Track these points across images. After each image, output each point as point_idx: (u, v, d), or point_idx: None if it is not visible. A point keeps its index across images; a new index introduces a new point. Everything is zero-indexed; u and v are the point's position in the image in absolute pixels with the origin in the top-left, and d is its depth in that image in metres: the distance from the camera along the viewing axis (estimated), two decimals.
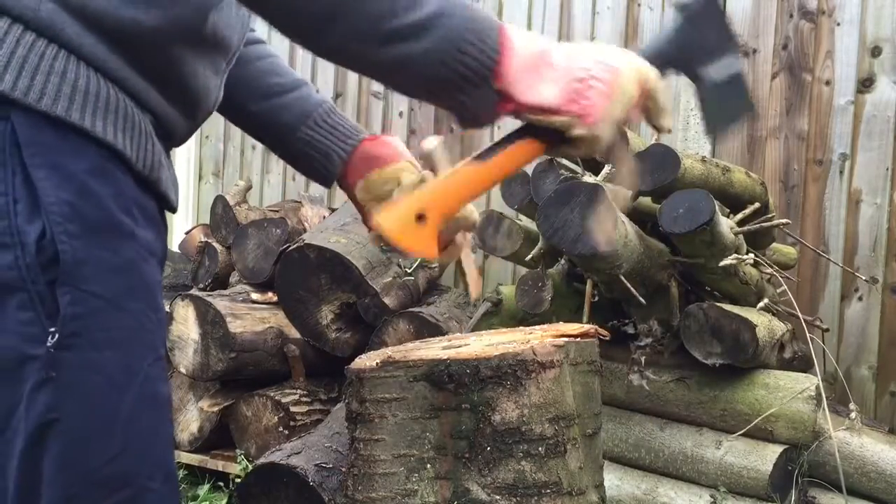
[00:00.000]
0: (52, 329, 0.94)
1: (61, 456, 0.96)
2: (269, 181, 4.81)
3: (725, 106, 1.15)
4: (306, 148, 1.35)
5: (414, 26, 0.94)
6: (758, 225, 2.74)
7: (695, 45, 1.12)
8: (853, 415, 2.65)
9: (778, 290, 3.01)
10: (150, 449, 1.02)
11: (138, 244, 1.02)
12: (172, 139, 1.13)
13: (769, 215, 2.92)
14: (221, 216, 3.76)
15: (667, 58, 1.12)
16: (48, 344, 0.94)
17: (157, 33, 1.02)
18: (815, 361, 2.64)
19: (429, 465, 1.53)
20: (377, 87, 4.40)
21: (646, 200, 2.72)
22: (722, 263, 2.55)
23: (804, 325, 2.66)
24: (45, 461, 0.95)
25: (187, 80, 1.08)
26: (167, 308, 3.28)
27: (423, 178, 1.20)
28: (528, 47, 0.99)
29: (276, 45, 1.48)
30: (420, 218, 1.02)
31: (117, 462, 0.98)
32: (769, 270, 2.81)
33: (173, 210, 1.16)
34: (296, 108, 1.33)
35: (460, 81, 0.97)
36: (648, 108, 1.09)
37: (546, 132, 1.04)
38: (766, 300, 2.77)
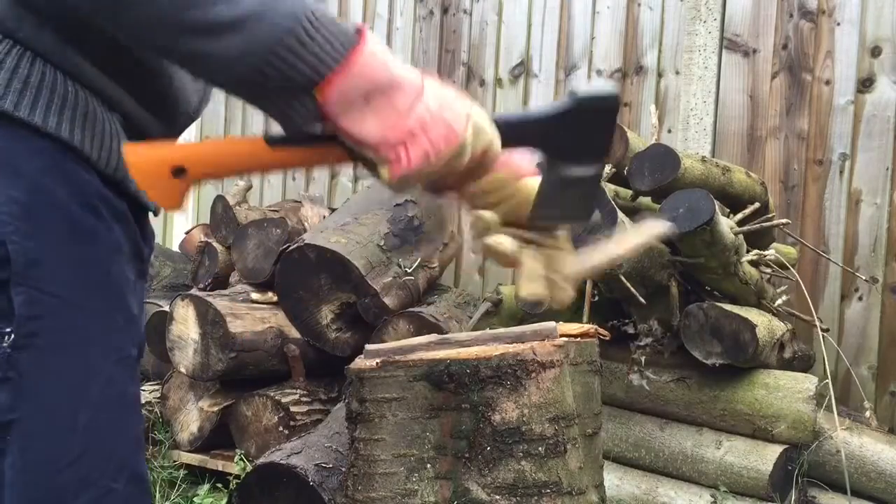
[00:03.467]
0: (8, 329, 0.93)
1: (21, 457, 0.94)
2: (269, 181, 4.81)
3: (562, 203, 1.05)
4: None
5: (219, 23, 0.87)
6: (758, 225, 2.74)
7: (568, 140, 1.01)
8: (867, 413, 2.65)
9: (778, 290, 3.01)
10: (113, 450, 1.00)
11: (103, 242, 1.00)
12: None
13: (769, 215, 2.92)
14: (221, 216, 3.76)
15: (530, 137, 1.02)
16: (3, 344, 0.92)
17: None
18: (826, 360, 2.64)
19: (429, 465, 1.53)
20: None
21: (646, 200, 2.72)
22: (745, 259, 2.55)
23: (817, 325, 2.66)
24: (5, 463, 0.94)
25: (159, 82, 1.05)
26: (167, 308, 3.28)
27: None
28: (373, 74, 0.92)
29: None
30: (178, 171, 0.93)
31: (79, 463, 0.96)
32: (769, 270, 2.81)
33: (152, 212, 1.13)
34: None
35: (273, 88, 0.90)
36: (474, 172, 1.01)
37: (356, 152, 0.98)
38: (781, 299, 2.77)
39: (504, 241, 1.04)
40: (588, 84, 1.08)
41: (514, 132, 1.02)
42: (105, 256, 1.00)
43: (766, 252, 2.60)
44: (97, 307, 0.98)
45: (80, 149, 0.97)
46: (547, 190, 1.04)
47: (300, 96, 0.91)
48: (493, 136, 0.99)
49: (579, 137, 1.01)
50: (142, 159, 0.94)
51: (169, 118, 1.11)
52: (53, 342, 0.95)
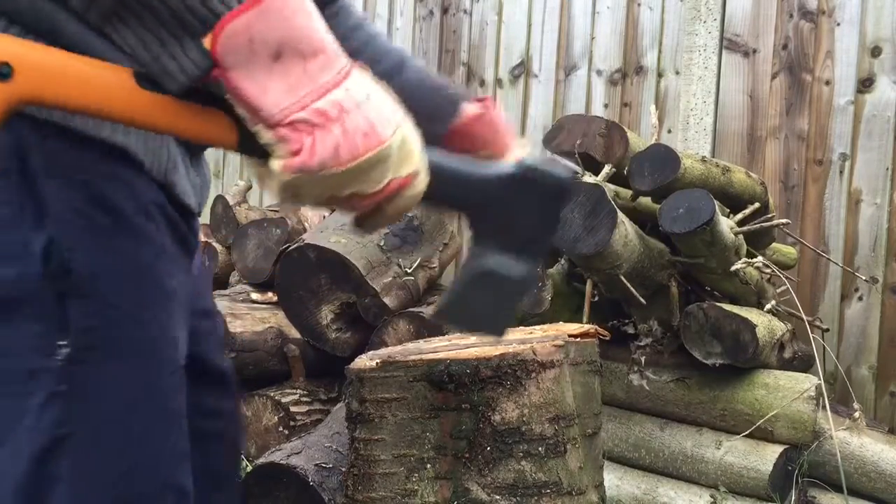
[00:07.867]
0: (64, 342, 0.89)
1: (71, 472, 0.91)
2: None
3: (473, 304, 0.82)
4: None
5: None
6: (758, 225, 2.74)
7: (502, 216, 0.78)
8: (856, 414, 2.65)
9: (778, 290, 3.01)
10: (162, 466, 0.96)
11: (158, 248, 0.96)
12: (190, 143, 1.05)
13: (769, 215, 2.92)
14: (221, 216, 3.76)
15: (459, 194, 0.78)
16: (59, 357, 0.88)
17: None
18: (817, 361, 2.64)
19: (429, 465, 1.53)
20: None
21: (646, 200, 2.72)
22: (733, 268, 2.55)
23: (807, 325, 2.65)
24: (55, 478, 0.91)
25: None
26: None
27: None
28: (293, 21, 0.73)
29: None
30: (1, 70, 0.72)
31: (129, 479, 0.93)
32: (769, 270, 2.80)
33: (197, 215, 1.11)
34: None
35: (159, 17, 0.76)
36: (383, 209, 0.79)
37: (248, 131, 0.77)
38: (773, 302, 2.77)
39: None
40: (546, 156, 0.86)
41: (444, 180, 0.78)
42: (159, 263, 0.96)
43: (754, 260, 2.59)
44: (152, 318, 0.95)
45: (135, 154, 0.93)
46: (461, 280, 0.82)
47: (182, 36, 0.74)
48: (422, 167, 0.79)
49: (517, 218, 0.78)
50: None
51: None
52: (110, 354, 0.91)
